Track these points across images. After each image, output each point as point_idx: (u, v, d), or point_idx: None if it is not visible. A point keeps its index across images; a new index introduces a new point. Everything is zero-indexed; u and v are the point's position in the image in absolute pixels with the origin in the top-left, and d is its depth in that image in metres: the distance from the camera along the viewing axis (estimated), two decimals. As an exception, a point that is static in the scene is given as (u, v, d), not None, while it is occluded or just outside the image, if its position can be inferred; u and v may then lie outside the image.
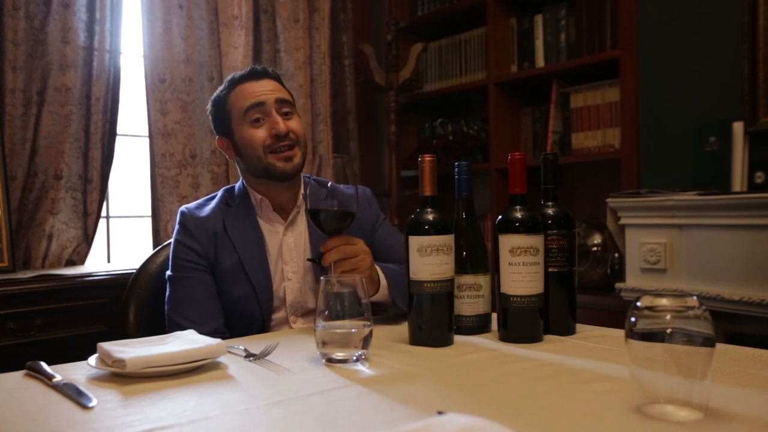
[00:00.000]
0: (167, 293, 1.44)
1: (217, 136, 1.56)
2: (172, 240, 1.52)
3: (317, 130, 3.15)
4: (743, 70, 2.18)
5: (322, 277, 1.04)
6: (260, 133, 1.46)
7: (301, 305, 1.50)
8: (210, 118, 1.58)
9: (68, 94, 2.44)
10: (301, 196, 1.55)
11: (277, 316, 1.48)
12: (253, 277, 1.45)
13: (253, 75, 1.51)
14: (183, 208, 1.52)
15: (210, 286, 1.44)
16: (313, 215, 1.26)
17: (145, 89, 2.69)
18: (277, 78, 1.54)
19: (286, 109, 1.49)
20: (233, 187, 1.57)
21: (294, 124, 1.49)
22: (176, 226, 1.50)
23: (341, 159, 1.31)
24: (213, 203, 1.53)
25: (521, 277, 1.15)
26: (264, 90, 1.48)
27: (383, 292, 1.36)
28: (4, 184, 2.26)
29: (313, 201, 1.56)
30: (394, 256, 1.53)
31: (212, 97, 1.56)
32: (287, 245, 1.50)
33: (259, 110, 1.46)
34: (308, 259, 1.50)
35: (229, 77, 1.54)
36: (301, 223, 1.54)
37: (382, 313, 1.45)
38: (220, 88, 1.55)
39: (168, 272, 1.46)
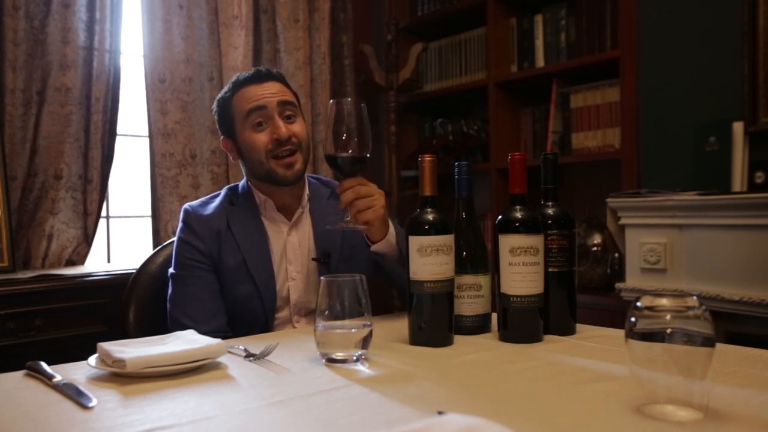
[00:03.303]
0: (170, 291, 1.44)
1: (222, 137, 1.56)
2: (175, 238, 1.51)
3: (317, 130, 3.15)
4: (743, 70, 2.18)
5: (322, 278, 1.04)
6: (262, 138, 1.45)
7: (305, 305, 1.50)
8: (215, 118, 1.57)
9: (68, 94, 2.44)
10: (305, 197, 1.55)
11: (281, 315, 1.48)
12: (257, 276, 1.45)
13: (256, 77, 1.49)
14: (186, 205, 1.52)
15: (213, 284, 1.44)
16: (330, 160, 1.26)
17: (145, 89, 2.69)
18: (281, 79, 1.53)
19: (288, 112, 1.48)
20: (237, 186, 1.57)
21: (297, 127, 1.48)
22: (179, 224, 1.50)
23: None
24: (216, 201, 1.53)
25: (521, 277, 1.15)
26: (266, 93, 1.47)
27: (390, 241, 1.36)
28: (4, 184, 2.26)
29: (317, 202, 1.56)
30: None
31: (217, 98, 1.56)
32: (291, 245, 1.50)
33: (260, 114, 1.46)
34: (313, 259, 1.50)
35: (233, 78, 1.53)
36: (306, 223, 1.54)
37: (382, 313, 1.45)
38: (225, 89, 1.54)
39: (171, 270, 1.46)
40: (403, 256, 1.33)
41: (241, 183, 1.57)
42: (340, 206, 1.28)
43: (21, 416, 0.81)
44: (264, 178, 1.49)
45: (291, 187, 1.51)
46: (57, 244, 2.44)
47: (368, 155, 1.27)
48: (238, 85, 1.50)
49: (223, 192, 1.56)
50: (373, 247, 1.36)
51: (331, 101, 1.25)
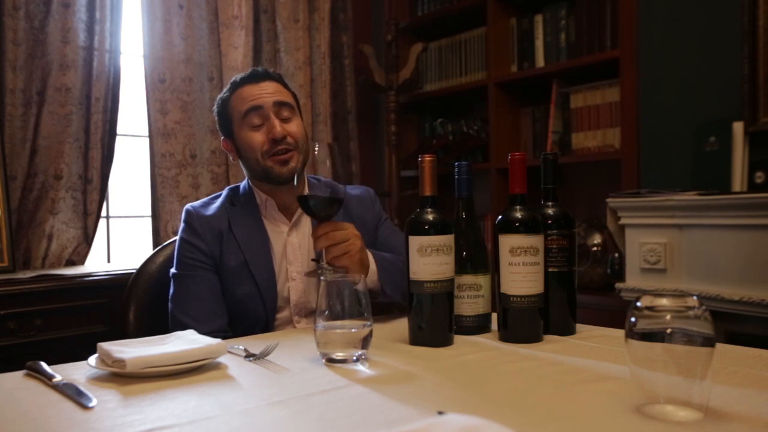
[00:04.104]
0: (171, 291, 1.45)
1: (222, 138, 1.57)
2: (177, 238, 1.52)
3: (317, 130, 3.15)
4: (743, 70, 2.18)
5: (322, 278, 1.04)
6: (258, 137, 1.46)
7: (305, 305, 1.50)
8: (215, 119, 1.59)
9: (68, 94, 2.44)
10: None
11: (281, 316, 1.48)
12: (258, 276, 1.45)
13: (253, 77, 1.51)
14: (188, 206, 1.53)
15: (215, 284, 1.44)
16: (302, 202, 1.27)
17: (145, 89, 2.69)
18: (278, 79, 1.54)
19: (285, 113, 1.49)
20: (238, 186, 1.58)
21: (293, 127, 1.49)
22: (181, 224, 1.50)
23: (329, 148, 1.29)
24: (218, 202, 1.53)
25: (521, 277, 1.15)
26: (263, 93, 1.48)
27: (371, 278, 1.36)
28: (4, 184, 2.26)
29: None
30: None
31: (217, 99, 1.57)
32: (292, 245, 1.51)
33: (257, 114, 1.47)
34: (312, 260, 1.50)
35: (232, 79, 1.55)
36: (306, 224, 1.54)
37: (380, 313, 1.45)
38: (224, 90, 1.55)
39: (172, 270, 1.46)
40: (386, 294, 1.38)
41: (243, 184, 1.57)
42: (314, 249, 1.28)
43: (21, 416, 0.81)
44: (262, 177, 1.49)
45: (291, 187, 1.51)
46: (57, 244, 2.44)
47: (342, 198, 1.27)
48: (236, 85, 1.52)
49: (224, 193, 1.56)
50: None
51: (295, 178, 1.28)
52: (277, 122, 1.46)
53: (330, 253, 1.26)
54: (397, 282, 1.39)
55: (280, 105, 1.48)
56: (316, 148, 1.26)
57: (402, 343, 1.18)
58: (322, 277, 1.05)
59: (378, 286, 1.38)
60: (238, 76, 1.53)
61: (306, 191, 1.56)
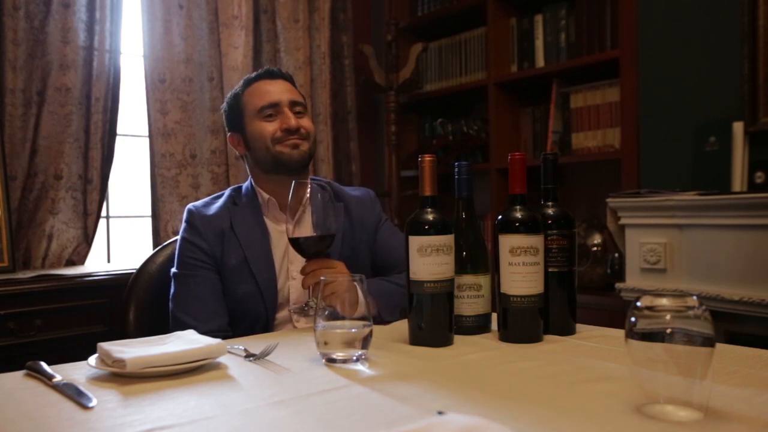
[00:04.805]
0: (172, 290, 1.45)
1: (229, 133, 1.59)
2: (176, 237, 1.52)
3: (317, 130, 3.15)
4: (743, 70, 2.18)
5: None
6: (271, 126, 1.50)
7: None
8: (224, 116, 1.61)
9: (68, 94, 2.44)
10: (306, 198, 1.55)
11: (281, 315, 1.49)
12: (259, 275, 1.45)
13: (268, 74, 1.55)
14: (190, 205, 1.53)
15: (215, 284, 1.45)
16: (293, 241, 1.28)
17: (145, 89, 2.69)
18: (291, 80, 1.59)
19: (298, 109, 1.53)
20: (240, 187, 1.59)
21: (305, 121, 1.53)
22: (183, 224, 1.51)
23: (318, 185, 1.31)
24: (220, 201, 1.54)
25: (521, 277, 1.15)
26: (279, 90, 1.52)
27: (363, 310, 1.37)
28: (4, 184, 2.26)
29: (316, 205, 1.57)
30: (395, 256, 1.54)
31: (227, 96, 1.60)
32: None
33: (272, 109, 1.51)
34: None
35: (245, 77, 1.59)
36: (308, 223, 1.54)
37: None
38: (236, 87, 1.58)
39: (173, 269, 1.47)
40: (386, 313, 1.38)
41: (245, 184, 1.58)
42: (303, 287, 1.29)
43: (21, 416, 0.81)
44: (271, 167, 1.50)
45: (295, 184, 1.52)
46: (57, 244, 2.44)
47: (333, 235, 1.28)
48: (250, 81, 1.56)
49: (226, 192, 1.57)
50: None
51: (293, 182, 1.28)
52: (291, 115, 1.50)
53: (316, 291, 1.27)
54: (396, 304, 1.40)
55: (294, 104, 1.53)
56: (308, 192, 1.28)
57: (402, 343, 1.18)
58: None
59: (375, 314, 1.38)
60: (252, 74, 1.58)
61: (308, 192, 1.56)
